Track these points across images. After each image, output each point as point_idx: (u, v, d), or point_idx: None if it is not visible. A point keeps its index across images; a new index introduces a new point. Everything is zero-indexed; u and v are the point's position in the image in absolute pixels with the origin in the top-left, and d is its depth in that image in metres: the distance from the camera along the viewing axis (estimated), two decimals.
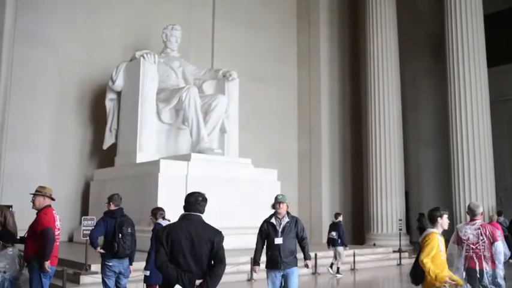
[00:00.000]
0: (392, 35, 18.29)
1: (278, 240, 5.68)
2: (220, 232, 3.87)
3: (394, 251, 14.49)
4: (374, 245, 16.08)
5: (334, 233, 11.46)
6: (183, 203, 3.94)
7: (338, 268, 11.36)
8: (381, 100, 17.74)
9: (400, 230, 15.47)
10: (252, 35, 19.15)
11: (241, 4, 19.09)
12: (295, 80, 20.44)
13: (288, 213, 5.89)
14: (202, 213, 3.92)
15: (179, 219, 3.93)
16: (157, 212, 6.86)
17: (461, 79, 15.88)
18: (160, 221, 6.75)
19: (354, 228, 19.48)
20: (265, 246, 5.94)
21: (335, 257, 11.43)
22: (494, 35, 18.47)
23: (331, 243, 11.49)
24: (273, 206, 5.86)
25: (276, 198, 5.89)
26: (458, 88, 15.92)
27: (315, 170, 19.25)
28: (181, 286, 3.64)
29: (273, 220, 5.83)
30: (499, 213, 14.44)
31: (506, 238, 9.22)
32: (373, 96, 17.92)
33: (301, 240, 5.89)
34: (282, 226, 5.76)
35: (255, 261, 5.96)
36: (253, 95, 18.03)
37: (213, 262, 3.76)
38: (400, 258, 13.80)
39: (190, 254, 3.70)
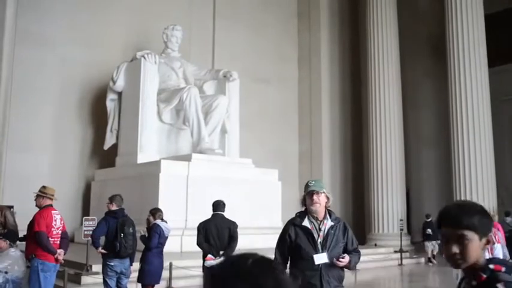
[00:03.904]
0: (393, 34, 18.30)
1: (320, 258, 3.38)
2: (235, 222, 6.50)
3: (395, 251, 14.48)
4: (375, 245, 16.08)
5: (429, 230, 14.10)
6: (211, 206, 6.80)
7: (434, 256, 14.28)
8: (381, 100, 17.74)
9: (402, 230, 15.46)
10: (252, 35, 19.15)
11: (242, 4, 19.09)
12: (296, 80, 20.44)
13: (329, 212, 3.58)
14: (223, 212, 6.54)
15: (211, 216, 6.54)
16: (156, 212, 7.04)
17: (462, 78, 15.89)
18: (159, 221, 6.84)
19: (355, 228, 19.45)
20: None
21: (431, 250, 14.23)
22: (494, 34, 18.46)
23: (428, 238, 14.19)
24: (303, 202, 3.59)
25: (307, 185, 3.57)
26: (459, 87, 15.92)
27: (316, 170, 19.25)
28: (211, 255, 6.11)
29: (306, 223, 3.49)
30: (506, 214, 14.42)
31: (509, 239, 9.20)
32: (373, 96, 17.92)
33: (355, 254, 3.69)
34: (323, 233, 3.47)
35: None
36: (254, 95, 18.03)
37: (229, 241, 6.29)
38: (401, 258, 13.79)
39: (217, 236, 6.23)
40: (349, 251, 3.58)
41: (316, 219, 3.52)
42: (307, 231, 3.47)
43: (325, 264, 3.39)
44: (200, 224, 6.51)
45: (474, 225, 1.71)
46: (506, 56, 19.96)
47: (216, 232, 6.27)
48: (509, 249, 7.63)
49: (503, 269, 1.68)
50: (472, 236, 1.71)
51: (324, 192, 3.52)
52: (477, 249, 1.71)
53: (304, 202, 3.59)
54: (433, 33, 21.14)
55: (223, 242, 6.26)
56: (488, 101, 15.98)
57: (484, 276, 1.68)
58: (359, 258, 3.70)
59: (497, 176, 16.07)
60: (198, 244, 6.39)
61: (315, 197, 3.46)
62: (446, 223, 1.76)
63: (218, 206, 6.55)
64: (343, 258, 3.44)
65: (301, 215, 3.58)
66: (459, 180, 15.65)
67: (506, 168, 19.57)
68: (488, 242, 1.74)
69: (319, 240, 3.45)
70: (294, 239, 3.48)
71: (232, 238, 6.34)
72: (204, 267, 6.34)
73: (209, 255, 6.16)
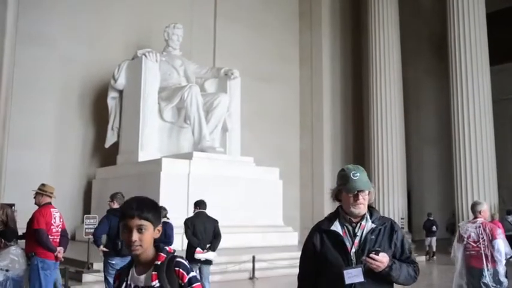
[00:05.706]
0: (394, 33, 18.27)
1: (353, 275, 2.40)
2: (217, 220, 7.36)
3: None
4: None
5: (435, 227, 14.89)
6: (192, 206, 7.69)
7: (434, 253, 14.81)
8: (383, 99, 17.72)
9: (403, 228, 15.47)
10: (253, 34, 19.12)
11: (243, 3, 19.06)
12: (297, 79, 20.41)
13: (371, 209, 2.61)
14: (205, 210, 7.35)
15: (195, 214, 7.36)
16: (163, 211, 7.29)
17: (464, 78, 15.84)
18: (165, 219, 7.00)
19: None
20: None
21: (430, 245, 14.81)
22: (497, 33, 18.43)
23: (433, 234, 14.82)
24: (336, 196, 2.63)
25: (346, 176, 2.55)
26: (460, 87, 15.88)
27: (317, 168, 19.25)
28: (200, 248, 7.01)
29: (336, 227, 2.56)
30: (508, 212, 14.39)
31: (510, 238, 9.18)
32: (375, 95, 17.90)
33: (407, 266, 2.55)
34: (360, 239, 2.52)
35: None
36: (255, 93, 18.02)
37: (215, 236, 7.22)
38: None
39: (204, 232, 7.11)
40: (401, 258, 2.55)
41: (351, 221, 2.54)
42: (336, 238, 2.51)
43: (361, 283, 2.39)
44: (187, 219, 7.28)
45: (150, 218, 2.10)
46: (506, 55, 19.94)
47: (203, 228, 7.13)
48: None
49: (172, 250, 2.17)
50: (149, 226, 2.09)
51: (370, 189, 2.56)
52: (151, 237, 2.10)
53: (337, 197, 2.62)
54: (435, 32, 21.12)
55: (209, 237, 7.17)
56: (489, 100, 15.93)
57: (164, 255, 2.10)
58: (415, 272, 2.56)
59: (499, 174, 16.05)
60: (188, 238, 7.15)
61: (361, 197, 2.50)
62: (129, 214, 2.09)
63: (201, 204, 7.36)
64: (376, 254, 2.37)
65: (331, 217, 2.62)
66: (460, 178, 15.63)
67: (508, 167, 19.57)
68: (159, 232, 2.13)
69: (352, 250, 2.47)
70: (320, 249, 2.53)
71: (217, 234, 7.26)
72: (189, 258, 6.79)
73: (198, 249, 7.02)
